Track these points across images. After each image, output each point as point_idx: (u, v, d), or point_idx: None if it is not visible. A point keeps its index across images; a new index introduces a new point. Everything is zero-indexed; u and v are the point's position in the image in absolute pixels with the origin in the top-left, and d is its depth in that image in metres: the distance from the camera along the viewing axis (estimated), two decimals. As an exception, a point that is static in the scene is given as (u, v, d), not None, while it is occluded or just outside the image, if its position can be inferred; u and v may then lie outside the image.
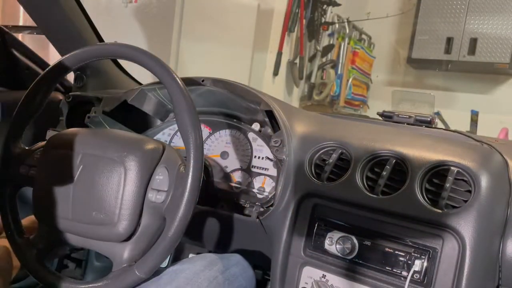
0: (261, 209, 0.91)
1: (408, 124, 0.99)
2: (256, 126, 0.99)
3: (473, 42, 3.26)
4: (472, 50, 3.26)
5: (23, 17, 2.41)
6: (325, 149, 0.84)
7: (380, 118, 1.04)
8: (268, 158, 0.96)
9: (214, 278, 0.75)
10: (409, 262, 0.71)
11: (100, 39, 1.22)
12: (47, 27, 1.12)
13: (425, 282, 0.70)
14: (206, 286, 0.72)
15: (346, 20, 3.69)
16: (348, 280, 0.76)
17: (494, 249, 0.68)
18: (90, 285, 0.71)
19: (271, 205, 0.86)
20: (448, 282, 0.68)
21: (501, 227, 0.69)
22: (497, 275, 0.69)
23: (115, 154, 0.72)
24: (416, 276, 0.70)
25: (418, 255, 0.71)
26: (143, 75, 1.13)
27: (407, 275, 0.70)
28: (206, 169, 0.98)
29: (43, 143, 0.81)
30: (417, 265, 0.70)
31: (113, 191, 0.71)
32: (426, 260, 0.70)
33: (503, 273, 0.69)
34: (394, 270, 0.73)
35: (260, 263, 0.97)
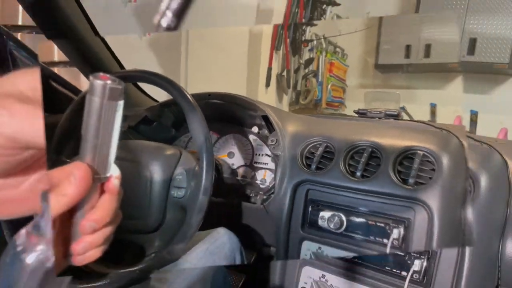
0: (264, 197, 0.91)
1: (379, 118, 0.99)
2: (255, 129, 0.99)
3: (473, 42, 2.82)
4: (471, 50, 2.83)
5: (23, 17, 2.30)
6: (313, 144, 0.84)
7: (356, 115, 1.04)
8: (267, 155, 0.96)
9: (203, 251, 0.73)
10: (389, 231, 0.71)
11: (100, 39, 1.09)
12: (47, 27, 1.02)
13: (424, 281, 0.65)
14: (199, 258, 0.70)
15: (322, 37, 3.69)
16: (347, 280, 0.72)
17: (494, 249, 0.61)
18: (130, 269, 0.71)
19: (272, 193, 0.86)
20: (448, 282, 0.62)
21: (501, 227, 0.62)
22: (497, 275, 0.62)
23: (142, 160, 0.72)
24: (416, 276, 0.65)
25: (396, 225, 0.70)
26: (157, 92, 1.11)
27: (407, 275, 0.64)
28: (216, 168, 0.98)
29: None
30: (417, 264, 0.62)
31: (143, 191, 0.71)
32: (402, 229, 0.69)
33: (502, 273, 0.62)
34: (393, 270, 0.67)
35: (265, 241, 0.97)
